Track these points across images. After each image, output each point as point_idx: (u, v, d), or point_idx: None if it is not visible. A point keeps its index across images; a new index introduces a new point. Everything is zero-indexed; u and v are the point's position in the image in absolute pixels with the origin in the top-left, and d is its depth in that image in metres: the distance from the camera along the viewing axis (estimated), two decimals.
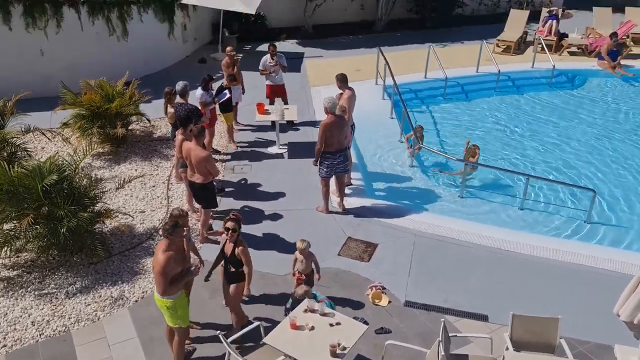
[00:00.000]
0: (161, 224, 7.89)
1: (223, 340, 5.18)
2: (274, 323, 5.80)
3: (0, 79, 10.94)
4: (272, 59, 10.21)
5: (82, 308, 6.45)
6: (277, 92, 10.43)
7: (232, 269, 5.78)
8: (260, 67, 10.39)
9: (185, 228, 5.76)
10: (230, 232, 5.62)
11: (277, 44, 11.50)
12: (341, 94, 8.49)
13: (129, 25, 12.34)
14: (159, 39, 13.14)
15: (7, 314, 6.35)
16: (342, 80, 8.50)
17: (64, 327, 6.20)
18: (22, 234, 6.87)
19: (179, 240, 5.30)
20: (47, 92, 10.61)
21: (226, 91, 9.36)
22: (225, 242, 5.77)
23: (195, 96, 8.97)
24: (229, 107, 9.69)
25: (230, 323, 6.10)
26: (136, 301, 6.59)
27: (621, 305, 6.16)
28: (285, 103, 10.23)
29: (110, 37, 12.11)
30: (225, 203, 8.39)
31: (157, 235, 7.65)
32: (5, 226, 6.95)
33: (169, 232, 5.13)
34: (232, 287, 5.85)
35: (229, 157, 9.73)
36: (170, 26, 13.28)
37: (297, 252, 6.24)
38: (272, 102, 10.33)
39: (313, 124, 10.70)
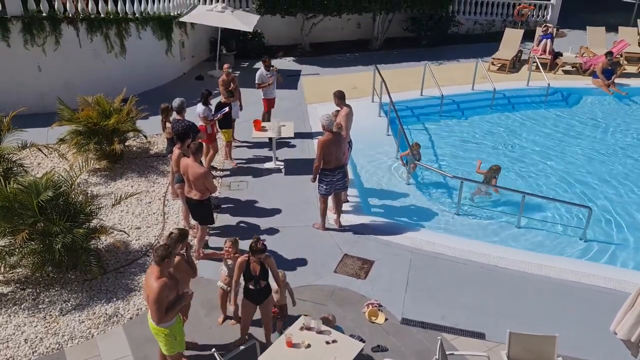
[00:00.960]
0: (157, 241, 7.86)
1: (219, 358, 5.12)
2: (269, 341, 5.76)
3: None
4: (268, 71, 10.39)
5: (76, 325, 6.39)
6: (272, 105, 10.76)
7: (262, 284, 5.71)
8: (257, 81, 10.54)
9: (184, 248, 5.70)
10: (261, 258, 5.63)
11: (274, 61, 11.69)
12: (338, 111, 8.54)
13: (127, 42, 12.43)
14: (156, 56, 13.23)
15: None
16: (340, 97, 8.56)
17: (57, 345, 6.13)
18: (17, 249, 6.82)
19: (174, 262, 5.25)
20: (44, 108, 10.66)
21: (226, 108, 9.43)
22: (248, 263, 5.67)
23: (196, 112, 9.02)
24: (228, 124, 9.72)
25: (228, 341, 6.05)
26: (131, 318, 6.53)
27: (618, 323, 6.12)
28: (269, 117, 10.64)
29: (109, 54, 12.19)
30: (221, 219, 8.37)
31: (152, 252, 7.60)
32: (0, 242, 6.91)
33: (160, 259, 4.93)
34: (266, 304, 5.80)
35: (225, 173, 9.74)
36: (168, 43, 13.38)
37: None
38: (267, 119, 10.50)
39: (309, 140, 10.75)
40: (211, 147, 9.43)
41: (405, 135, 10.13)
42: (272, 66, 10.60)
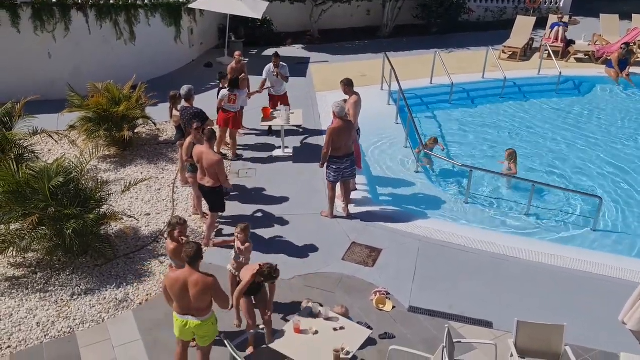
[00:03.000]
0: (166, 228, 7.90)
1: (228, 345, 5.18)
2: (278, 327, 5.80)
3: (8, 81, 11.05)
4: (274, 69, 10.24)
5: (87, 310, 6.47)
6: (279, 102, 10.45)
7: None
8: (264, 76, 10.37)
9: (182, 238, 5.75)
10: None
11: (282, 48, 11.56)
12: (345, 100, 8.48)
13: (136, 29, 12.42)
14: (165, 43, 13.22)
15: (12, 314, 6.37)
16: (348, 84, 8.51)
17: (69, 329, 6.22)
18: (28, 234, 6.90)
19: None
20: (54, 95, 10.69)
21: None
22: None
23: (240, 100, 9.27)
24: None
25: (237, 328, 6.12)
26: (140, 304, 6.60)
27: (627, 313, 6.12)
28: None
29: (118, 41, 12.20)
30: (230, 207, 8.37)
31: (162, 238, 7.66)
32: (12, 226, 6.99)
33: (192, 260, 4.94)
34: (261, 294, 5.78)
35: (235, 160, 9.74)
36: (177, 30, 13.35)
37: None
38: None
39: (318, 128, 10.73)
40: (230, 133, 9.50)
41: (415, 123, 10.08)
42: (277, 66, 10.20)
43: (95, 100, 9.42)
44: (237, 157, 9.76)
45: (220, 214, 7.68)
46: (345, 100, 8.44)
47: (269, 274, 5.45)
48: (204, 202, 7.90)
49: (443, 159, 9.67)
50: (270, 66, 10.31)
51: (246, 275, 5.50)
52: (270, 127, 10.38)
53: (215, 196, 7.31)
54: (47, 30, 11.30)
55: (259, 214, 8.26)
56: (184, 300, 5.01)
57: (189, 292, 4.95)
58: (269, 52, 10.73)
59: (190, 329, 5.15)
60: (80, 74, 11.24)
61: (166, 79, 12.81)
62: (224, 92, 9.29)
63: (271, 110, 9.99)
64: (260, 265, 5.49)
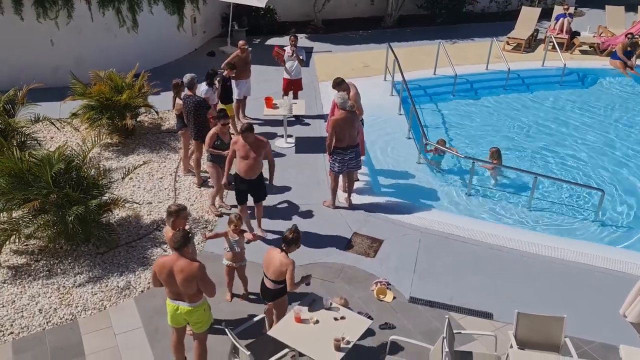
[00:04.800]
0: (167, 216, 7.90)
1: (229, 333, 5.20)
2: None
3: (11, 68, 11.04)
4: (291, 49, 10.24)
5: (89, 297, 6.50)
6: (292, 86, 10.45)
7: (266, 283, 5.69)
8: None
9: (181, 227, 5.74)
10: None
11: (285, 38, 11.51)
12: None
13: (139, 17, 12.37)
14: (168, 32, 13.17)
15: (14, 301, 6.40)
16: (339, 83, 8.31)
17: (71, 316, 6.25)
18: (30, 220, 6.92)
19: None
20: (57, 82, 10.69)
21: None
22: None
23: (200, 92, 8.90)
24: (229, 98, 9.54)
25: (237, 316, 6.15)
26: (142, 292, 6.63)
27: (628, 306, 6.14)
28: (295, 97, 10.32)
29: (120, 29, 12.15)
30: (232, 196, 8.38)
31: (164, 227, 7.66)
32: (15, 214, 7.01)
33: (179, 246, 4.94)
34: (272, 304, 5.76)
35: None
36: (180, 19, 13.29)
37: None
38: (286, 96, 10.39)
39: (321, 118, 10.71)
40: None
41: (417, 114, 10.05)
42: (294, 47, 10.25)
43: (98, 88, 9.41)
44: None
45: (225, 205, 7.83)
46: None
47: (295, 236, 5.42)
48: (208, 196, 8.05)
49: (446, 149, 9.63)
50: (288, 48, 10.33)
51: (282, 265, 5.38)
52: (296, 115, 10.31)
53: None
54: (50, 17, 11.25)
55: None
56: (173, 286, 5.04)
57: (175, 278, 4.97)
58: (272, 41, 10.67)
59: (181, 315, 5.17)
60: (82, 62, 11.22)
61: (168, 67, 12.79)
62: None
63: (274, 102, 9.93)
64: (280, 249, 5.47)
